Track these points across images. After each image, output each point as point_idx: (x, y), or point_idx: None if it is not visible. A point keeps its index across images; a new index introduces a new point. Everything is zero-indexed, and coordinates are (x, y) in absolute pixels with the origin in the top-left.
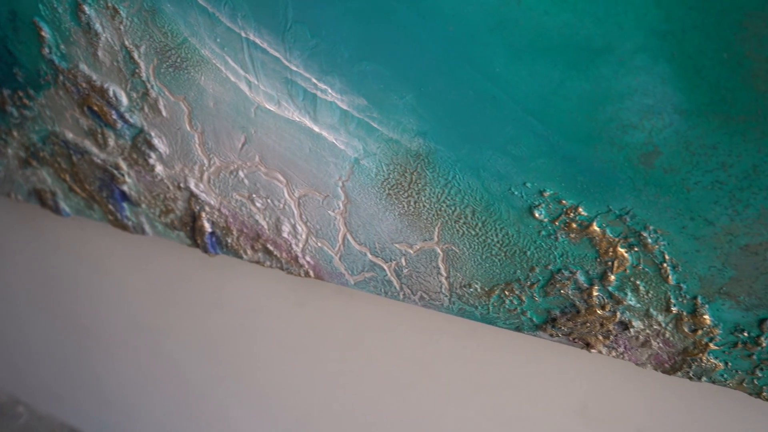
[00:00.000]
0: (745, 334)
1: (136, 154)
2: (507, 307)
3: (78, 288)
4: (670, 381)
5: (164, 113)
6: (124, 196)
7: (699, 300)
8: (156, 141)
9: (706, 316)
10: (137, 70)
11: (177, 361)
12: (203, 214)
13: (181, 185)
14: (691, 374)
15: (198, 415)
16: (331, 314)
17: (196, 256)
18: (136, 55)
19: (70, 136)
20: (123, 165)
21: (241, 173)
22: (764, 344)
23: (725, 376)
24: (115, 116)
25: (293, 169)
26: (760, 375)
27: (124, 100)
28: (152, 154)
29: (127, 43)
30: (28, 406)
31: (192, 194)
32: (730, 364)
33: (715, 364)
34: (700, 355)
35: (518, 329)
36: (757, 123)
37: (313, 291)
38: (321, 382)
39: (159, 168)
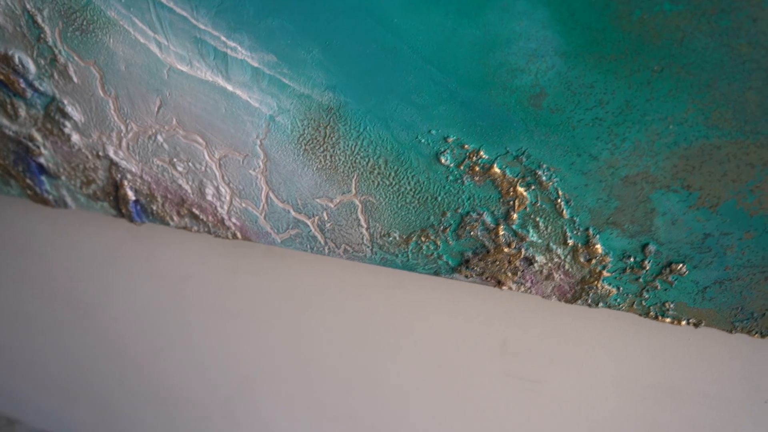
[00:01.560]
0: (632, 260)
1: (50, 123)
2: (424, 252)
3: (1, 271)
4: (573, 310)
5: (75, 79)
6: (42, 169)
7: (591, 231)
8: (69, 109)
9: (598, 246)
10: (42, 35)
11: (113, 337)
12: (125, 182)
13: (100, 154)
14: (589, 302)
15: (139, 387)
16: (262, 277)
17: (123, 226)
18: (39, 19)
19: None
20: (37, 136)
21: (159, 137)
22: (647, 267)
23: (618, 300)
24: (23, 85)
25: (211, 131)
26: (646, 296)
27: (32, 67)
28: (67, 123)
29: (29, 6)
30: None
31: (112, 162)
32: (621, 288)
33: (609, 290)
34: (596, 282)
35: (436, 273)
36: (626, 61)
37: (244, 254)
38: (258, 345)
39: (75, 137)
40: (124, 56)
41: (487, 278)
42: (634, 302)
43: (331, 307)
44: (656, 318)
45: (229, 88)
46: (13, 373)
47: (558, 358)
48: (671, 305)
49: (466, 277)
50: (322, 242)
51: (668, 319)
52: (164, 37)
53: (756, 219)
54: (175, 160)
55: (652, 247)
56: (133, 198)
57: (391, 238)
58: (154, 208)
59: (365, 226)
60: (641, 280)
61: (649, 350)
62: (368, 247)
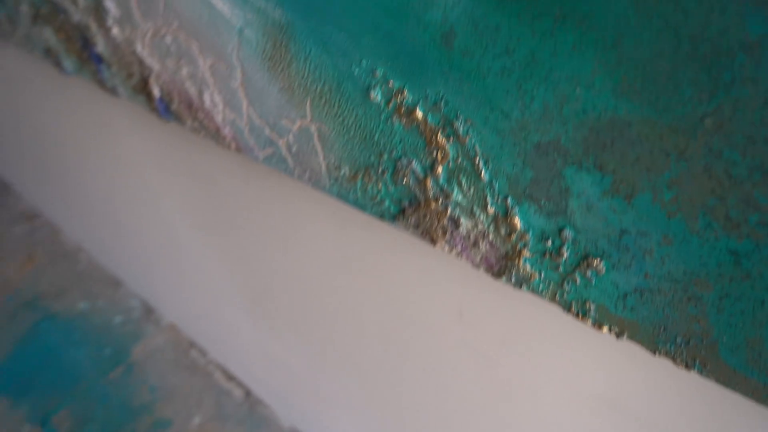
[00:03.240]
0: (550, 243)
1: (97, 15)
2: (370, 194)
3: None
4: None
5: None
6: (100, 58)
7: (509, 201)
8: (108, 3)
9: (517, 219)
10: None
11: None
12: (151, 79)
13: (133, 49)
14: (513, 281)
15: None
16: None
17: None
18: None
19: None
20: (93, 26)
21: (167, 39)
22: (566, 255)
23: (541, 286)
24: None
25: (200, 37)
26: (567, 289)
27: None
28: (108, 17)
29: None
30: (88, 254)
31: (139, 58)
32: (543, 274)
33: (531, 273)
34: (517, 260)
35: (382, 217)
36: (529, 3)
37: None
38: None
39: (115, 30)
40: None
41: (422, 233)
42: (556, 293)
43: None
44: (578, 316)
45: None
46: (113, 239)
47: (508, 340)
48: (592, 305)
49: (405, 227)
50: (291, 165)
51: (590, 321)
52: None
53: (674, 223)
54: (181, 62)
55: (568, 233)
56: (158, 95)
57: (342, 172)
58: (173, 107)
59: (321, 155)
60: (561, 269)
61: (594, 361)
62: (326, 177)
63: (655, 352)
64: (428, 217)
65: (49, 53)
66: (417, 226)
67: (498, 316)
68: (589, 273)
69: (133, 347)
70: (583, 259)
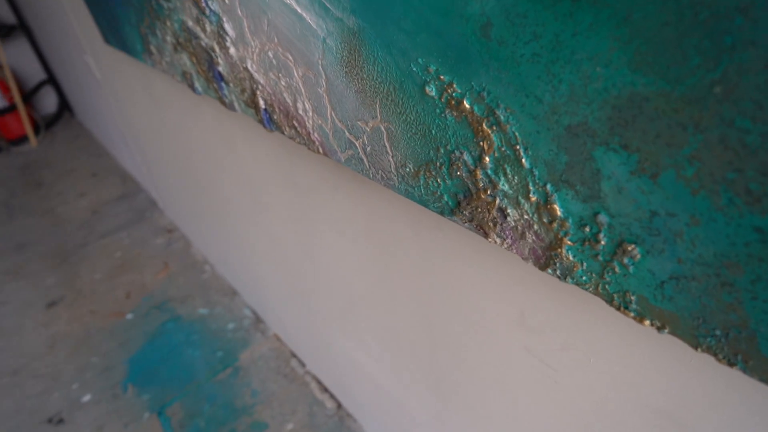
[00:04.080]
0: (587, 230)
1: (219, 37)
2: (431, 189)
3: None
4: (561, 285)
5: (226, 0)
6: (221, 77)
7: (548, 188)
8: (227, 26)
9: (556, 206)
10: None
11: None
12: (258, 92)
13: (245, 66)
14: (558, 273)
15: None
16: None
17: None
18: None
19: (190, 23)
20: (216, 48)
21: (270, 53)
22: (603, 242)
23: (584, 278)
24: (204, 4)
25: (293, 49)
26: (608, 279)
27: None
28: (227, 38)
29: None
30: (212, 265)
31: (250, 74)
32: (585, 264)
33: (574, 263)
34: (560, 250)
35: (442, 213)
36: None
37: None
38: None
39: (232, 50)
40: None
41: (476, 226)
42: (599, 285)
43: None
44: (620, 309)
45: (299, 10)
46: (232, 255)
47: (569, 345)
48: (633, 297)
49: (462, 221)
50: (367, 165)
51: (632, 314)
52: None
53: (699, 200)
54: (280, 74)
55: (603, 218)
56: (263, 107)
57: (407, 169)
58: (275, 117)
59: (390, 153)
60: (600, 258)
61: (652, 369)
62: (395, 175)
63: (697, 348)
64: (480, 209)
65: (185, 76)
66: (471, 220)
67: (558, 320)
68: (626, 260)
69: (241, 353)
70: (619, 246)
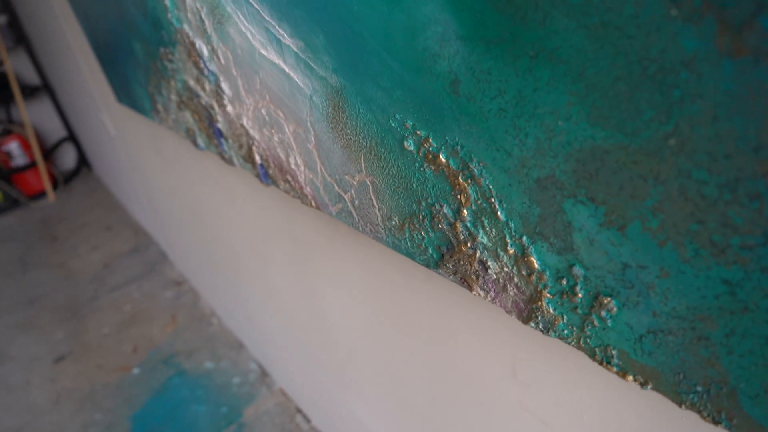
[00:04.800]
0: (565, 282)
1: (217, 96)
2: (416, 241)
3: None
4: (545, 340)
5: (222, 61)
6: (220, 133)
7: (524, 240)
8: (224, 85)
9: (533, 258)
10: (205, 27)
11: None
12: (254, 148)
13: (241, 123)
14: (541, 326)
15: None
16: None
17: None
18: (203, 14)
19: (191, 83)
20: (215, 105)
21: (263, 111)
22: (580, 294)
23: (566, 331)
24: (202, 65)
25: (284, 107)
26: (588, 333)
27: (205, 51)
28: (225, 96)
29: (197, 5)
30: (219, 318)
31: (246, 130)
32: (566, 318)
33: (555, 316)
34: (540, 303)
35: (428, 266)
36: (507, 45)
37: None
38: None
39: (229, 108)
40: (239, 43)
41: (461, 279)
42: (580, 338)
43: (349, 287)
44: (602, 364)
45: (287, 69)
46: (233, 304)
47: (562, 401)
48: (614, 352)
49: (446, 273)
50: (356, 218)
51: (615, 369)
52: (251, 27)
53: (666, 252)
54: (273, 130)
55: (578, 270)
56: (259, 161)
57: (393, 222)
58: (270, 172)
59: (377, 206)
60: (579, 311)
61: (645, 426)
62: (382, 228)
63: (681, 405)
64: (462, 261)
65: (188, 133)
66: (455, 272)
67: (548, 375)
68: (603, 313)
69: (246, 408)
70: (595, 298)
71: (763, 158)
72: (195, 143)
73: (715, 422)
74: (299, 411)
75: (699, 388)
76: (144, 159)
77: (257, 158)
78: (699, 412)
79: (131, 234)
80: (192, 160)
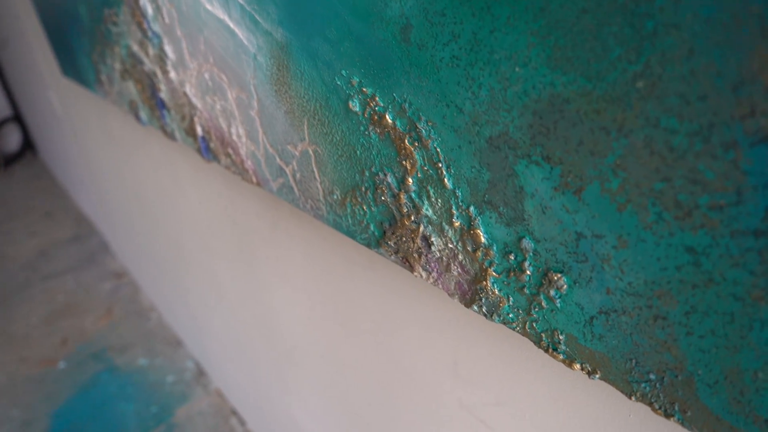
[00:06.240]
0: (512, 258)
1: (161, 61)
2: (358, 218)
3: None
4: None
5: (167, 19)
6: (163, 104)
7: (472, 210)
8: (167, 48)
9: (480, 231)
10: None
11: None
12: (196, 119)
13: (184, 90)
14: (484, 309)
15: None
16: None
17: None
18: None
19: (135, 48)
20: (158, 72)
21: (206, 75)
22: (529, 271)
23: (511, 315)
24: (146, 25)
25: (227, 69)
26: (535, 316)
27: (149, 10)
28: (168, 61)
29: None
30: (159, 313)
31: (188, 99)
32: (511, 299)
33: (500, 298)
34: (485, 283)
35: (369, 245)
36: None
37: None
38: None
39: (173, 74)
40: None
41: (402, 258)
42: (526, 322)
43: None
44: (548, 351)
45: (232, 25)
46: (172, 296)
47: (504, 399)
48: (561, 337)
49: (388, 253)
50: (297, 194)
51: (561, 357)
52: None
53: (626, 217)
54: (215, 97)
55: (528, 243)
56: (201, 134)
57: (335, 196)
58: (212, 146)
59: (318, 179)
60: (526, 291)
61: (592, 424)
62: (323, 204)
63: (631, 396)
64: (404, 238)
65: (131, 106)
66: (397, 251)
67: (491, 369)
68: (552, 292)
69: (178, 408)
70: (545, 276)
71: (743, 97)
72: (138, 117)
73: (667, 415)
74: (234, 413)
75: (652, 376)
76: (90, 140)
77: (199, 130)
78: (650, 403)
79: (73, 222)
80: (136, 139)
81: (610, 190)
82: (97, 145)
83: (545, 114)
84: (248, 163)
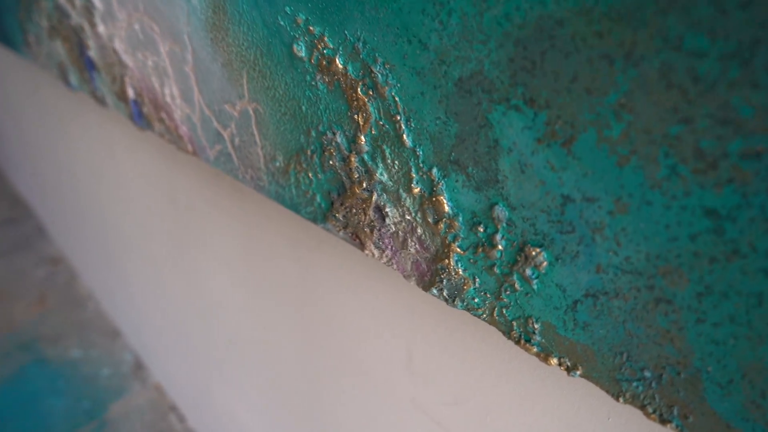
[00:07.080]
0: (481, 230)
1: (88, 13)
2: (302, 188)
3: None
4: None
5: None
6: (93, 65)
7: (434, 173)
8: None
9: (443, 199)
10: None
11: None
12: (127, 79)
13: (113, 47)
14: (445, 293)
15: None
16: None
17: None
18: None
19: (61, 0)
20: (86, 26)
21: (137, 26)
22: (501, 246)
23: (477, 300)
24: None
25: (159, 17)
26: (506, 301)
27: None
28: (96, 12)
29: None
30: (96, 301)
31: (118, 57)
32: (477, 280)
33: (464, 279)
34: (447, 261)
35: (315, 219)
36: None
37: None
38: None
39: (101, 28)
40: None
41: (352, 234)
42: (494, 309)
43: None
44: (519, 342)
45: None
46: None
47: (462, 397)
48: (536, 326)
49: (336, 228)
50: (236, 163)
51: (535, 350)
52: None
53: (628, 174)
54: (147, 52)
55: (501, 211)
56: (132, 97)
57: (277, 163)
58: (145, 110)
59: (259, 144)
60: (497, 270)
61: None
62: (264, 173)
63: (618, 397)
64: (354, 209)
65: (60, 68)
66: (346, 226)
67: (449, 363)
68: (528, 271)
69: (112, 404)
70: (520, 251)
71: None
72: (67, 81)
73: (663, 420)
74: (173, 409)
75: (647, 374)
76: (24, 113)
77: (130, 93)
78: (643, 406)
79: (6, 205)
80: (69, 108)
81: (609, 139)
82: (30, 118)
83: (531, 43)
84: (183, 129)
